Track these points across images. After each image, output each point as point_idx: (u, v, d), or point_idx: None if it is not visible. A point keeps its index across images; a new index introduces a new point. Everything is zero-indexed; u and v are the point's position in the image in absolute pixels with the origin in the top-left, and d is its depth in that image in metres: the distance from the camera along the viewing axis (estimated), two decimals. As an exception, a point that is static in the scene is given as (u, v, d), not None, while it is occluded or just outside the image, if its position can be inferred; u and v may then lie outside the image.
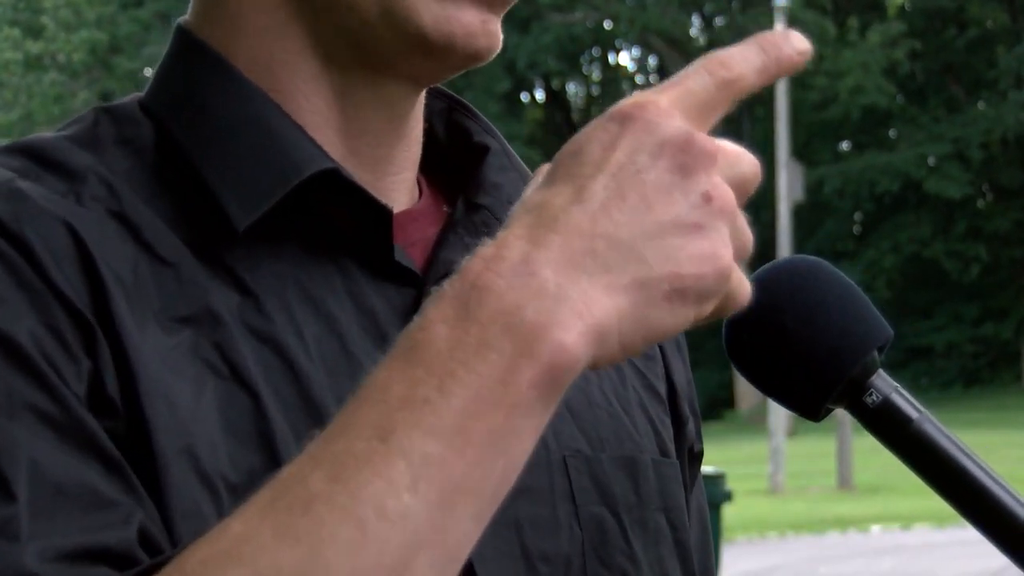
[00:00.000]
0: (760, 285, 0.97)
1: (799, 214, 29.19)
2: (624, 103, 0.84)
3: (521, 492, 0.98)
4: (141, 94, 1.07)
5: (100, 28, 29.50)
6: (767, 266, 1.00)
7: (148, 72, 30.49)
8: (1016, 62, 32.04)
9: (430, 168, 1.13)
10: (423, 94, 1.10)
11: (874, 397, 0.97)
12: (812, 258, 1.01)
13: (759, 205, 33.13)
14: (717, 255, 0.81)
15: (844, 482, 18.95)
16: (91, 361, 0.92)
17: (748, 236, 0.84)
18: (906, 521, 15.56)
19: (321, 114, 1.05)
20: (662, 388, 1.15)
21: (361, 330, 1.02)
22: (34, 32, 29.67)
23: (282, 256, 1.01)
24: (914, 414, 0.97)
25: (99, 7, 29.71)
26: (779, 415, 19.35)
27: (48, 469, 0.87)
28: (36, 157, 1.00)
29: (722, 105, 0.85)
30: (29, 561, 0.84)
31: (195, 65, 1.06)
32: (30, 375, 0.90)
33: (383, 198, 1.05)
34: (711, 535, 1.21)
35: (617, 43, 37.87)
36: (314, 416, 0.97)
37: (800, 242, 30.96)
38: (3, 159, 1.00)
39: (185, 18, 1.09)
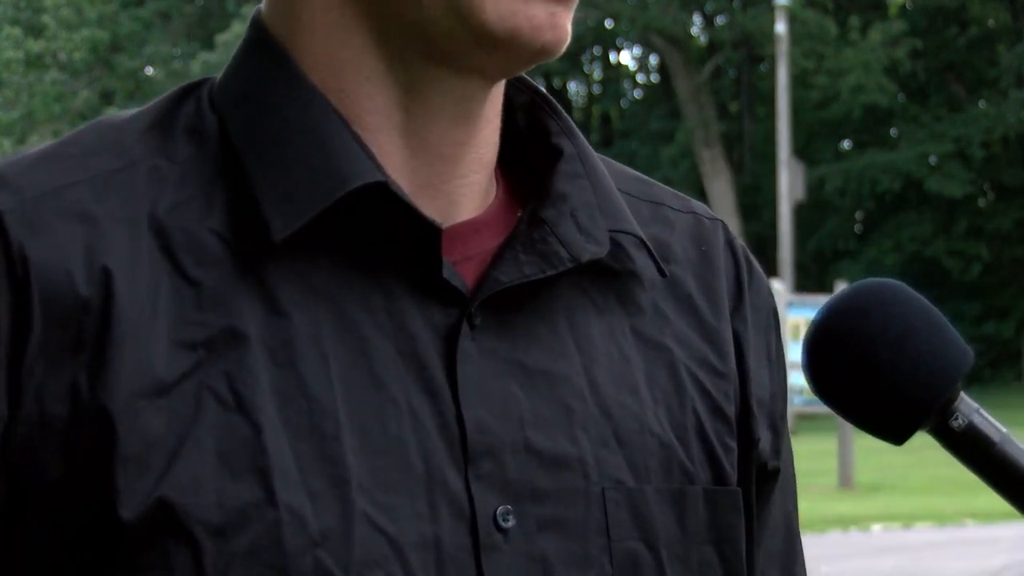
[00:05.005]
0: (840, 312, 0.96)
1: (800, 213, 29.15)
2: None
3: (551, 525, 0.97)
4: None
5: (101, 27, 29.47)
6: (843, 292, 0.99)
7: (150, 71, 30.49)
8: (1017, 61, 32.01)
9: (512, 164, 1.09)
10: (498, 92, 1.06)
11: (960, 421, 0.96)
12: (891, 282, 0.99)
13: (761, 204, 33.10)
14: None
15: (845, 481, 18.93)
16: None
17: None
18: (907, 520, 15.54)
19: (384, 114, 1.02)
20: (731, 409, 1.10)
21: (395, 352, 0.99)
22: (35, 31, 29.65)
23: (320, 271, 0.99)
24: (996, 436, 0.97)
25: (100, 6, 29.69)
26: (780, 414, 19.24)
27: None
28: (98, 137, 1.01)
29: None
30: None
31: (262, 61, 1.04)
32: None
33: (448, 202, 1.03)
34: (798, 541, 1.17)
35: (618, 42, 37.84)
36: (321, 445, 0.95)
37: (801, 241, 30.94)
38: (74, 135, 1.02)
39: (261, 7, 1.07)
